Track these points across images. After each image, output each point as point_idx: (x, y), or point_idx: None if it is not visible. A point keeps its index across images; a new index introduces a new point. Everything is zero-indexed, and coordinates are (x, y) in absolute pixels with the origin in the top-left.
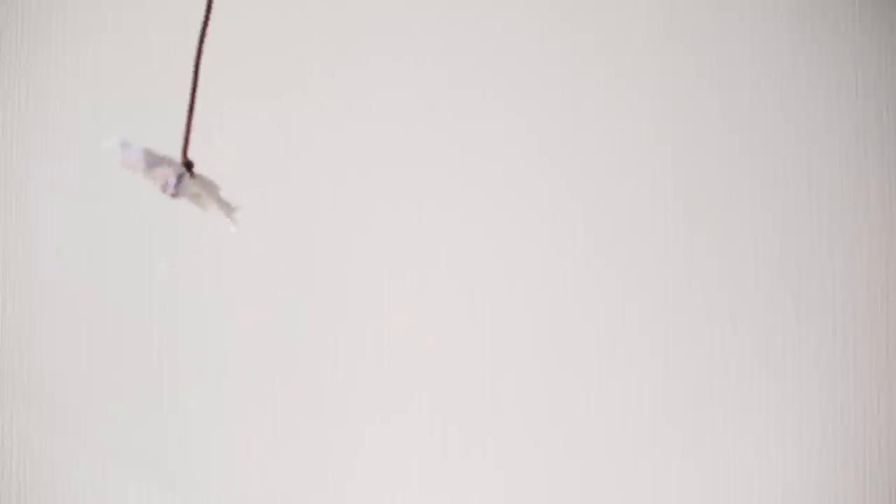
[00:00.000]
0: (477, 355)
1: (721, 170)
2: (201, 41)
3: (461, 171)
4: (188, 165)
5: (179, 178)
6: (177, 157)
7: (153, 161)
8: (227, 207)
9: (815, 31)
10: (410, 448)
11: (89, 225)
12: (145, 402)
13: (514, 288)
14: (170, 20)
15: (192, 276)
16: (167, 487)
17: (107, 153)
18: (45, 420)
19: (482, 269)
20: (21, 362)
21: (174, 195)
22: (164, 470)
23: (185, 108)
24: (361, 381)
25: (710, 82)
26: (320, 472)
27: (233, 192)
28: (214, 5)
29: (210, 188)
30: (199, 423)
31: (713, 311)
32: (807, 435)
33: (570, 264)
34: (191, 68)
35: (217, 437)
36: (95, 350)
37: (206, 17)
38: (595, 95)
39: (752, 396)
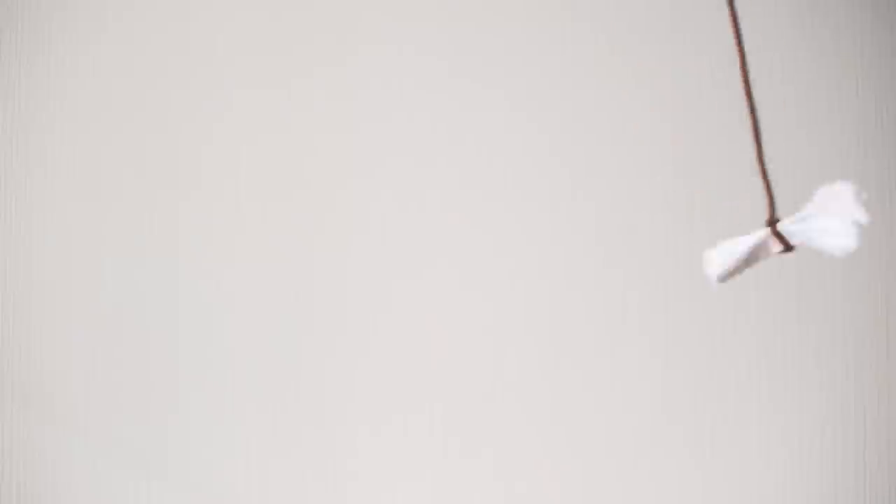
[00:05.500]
0: (478, 354)
1: (722, 169)
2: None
3: (462, 169)
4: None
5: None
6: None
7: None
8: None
9: (815, 31)
10: (411, 448)
11: (89, 225)
12: (145, 402)
13: (514, 286)
14: (170, 20)
15: (192, 276)
16: (167, 487)
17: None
18: (45, 420)
19: (482, 267)
20: (21, 362)
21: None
22: (164, 470)
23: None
24: (362, 380)
25: (711, 81)
26: (320, 472)
27: (232, 192)
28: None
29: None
30: (199, 423)
31: (713, 311)
32: (807, 435)
33: (570, 263)
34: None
35: (217, 438)
36: (95, 350)
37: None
38: (595, 93)
39: (752, 396)
